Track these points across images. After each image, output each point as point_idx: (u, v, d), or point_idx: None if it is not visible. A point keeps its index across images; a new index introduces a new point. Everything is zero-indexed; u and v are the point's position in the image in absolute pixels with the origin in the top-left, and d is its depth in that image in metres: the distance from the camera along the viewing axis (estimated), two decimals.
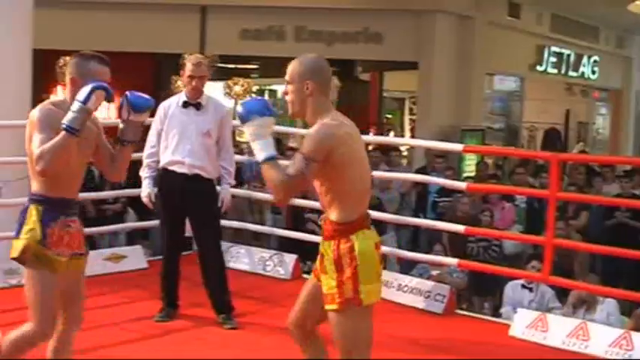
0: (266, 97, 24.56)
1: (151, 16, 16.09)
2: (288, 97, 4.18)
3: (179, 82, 21.66)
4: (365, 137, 8.14)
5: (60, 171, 4.15)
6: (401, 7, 16.26)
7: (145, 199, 6.64)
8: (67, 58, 15.54)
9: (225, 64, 18.44)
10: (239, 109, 4.06)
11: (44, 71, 10.67)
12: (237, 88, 19.57)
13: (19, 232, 4.26)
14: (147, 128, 6.76)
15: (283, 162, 4.18)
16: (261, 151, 3.94)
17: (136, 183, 6.97)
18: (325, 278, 4.05)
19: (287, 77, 4.16)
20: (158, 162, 6.57)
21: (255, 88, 21.66)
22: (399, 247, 9.63)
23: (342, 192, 4.02)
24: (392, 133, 21.22)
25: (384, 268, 8.15)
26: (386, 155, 12.77)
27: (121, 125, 4.39)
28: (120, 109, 4.33)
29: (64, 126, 4.01)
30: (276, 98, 24.96)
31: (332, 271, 4.00)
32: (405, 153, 16.64)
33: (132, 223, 9.92)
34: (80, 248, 4.43)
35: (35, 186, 4.31)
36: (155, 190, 6.61)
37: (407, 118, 22.76)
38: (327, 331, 4.15)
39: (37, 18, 8.65)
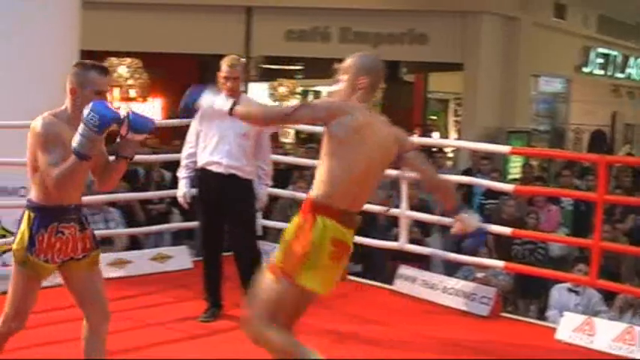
0: (310, 98, 24.62)
1: (196, 17, 16.17)
2: (337, 86, 4.28)
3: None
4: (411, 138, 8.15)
5: None
6: (446, 8, 16.22)
7: (180, 199, 6.71)
8: (114, 59, 15.69)
9: (270, 65, 18.51)
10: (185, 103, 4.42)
11: None
12: (282, 90, 19.61)
13: (15, 237, 4.41)
14: (187, 128, 6.81)
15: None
16: (223, 106, 4.38)
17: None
18: (280, 244, 4.21)
19: (342, 67, 4.27)
20: (196, 162, 6.60)
21: (299, 90, 21.70)
22: (444, 248, 9.57)
23: (326, 170, 4.12)
24: (436, 135, 21.16)
25: (428, 270, 8.21)
26: (431, 157, 12.71)
27: (118, 139, 4.39)
28: (121, 124, 4.29)
29: (75, 150, 4.05)
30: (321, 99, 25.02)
31: (286, 239, 4.17)
32: (451, 154, 16.57)
33: (176, 224, 9.95)
34: (76, 252, 4.45)
35: (33, 193, 4.38)
36: (191, 191, 6.68)
37: (451, 119, 22.66)
38: None
39: (84, 19, 8.70)
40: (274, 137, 10.93)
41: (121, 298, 7.13)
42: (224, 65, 6.45)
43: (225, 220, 6.56)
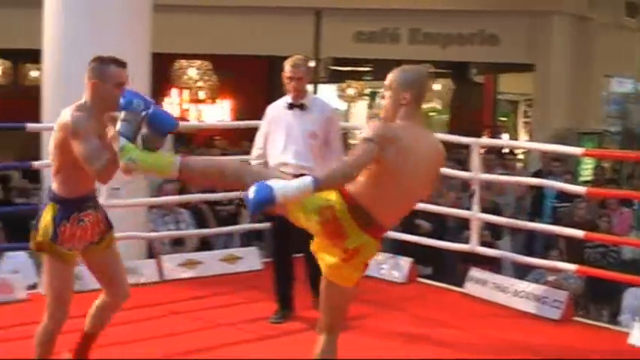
0: (377, 100, 24.57)
1: (265, 19, 16.24)
2: (383, 102, 4.27)
3: None
4: (481, 140, 8.10)
5: (81, 174, 4.45)
6: (517, 8, 16.09)
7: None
8: (184, 61, 15.85)
9: (339, 66, 18.53)
10: (254, 206, 3.90)
11: (160, 75, 10.82)
12: (350, 91, 19.62)
13: (37, 227, 4.58)
14: (255, 130, 6.84)
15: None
16: (306, 188, 3.86)
17: None
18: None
19: (386, 83, 4.26)
20: (265, 164, 6.62)
21: (367, 91, 21.67)
22: (514, 251, 9.50)
23: (370, 186, 4.08)
24: (506, 136, 21.01)
25: (498, 272, 8.15)
26: (501, 158, 12.63)
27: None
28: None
29: (125, 136, 4.23)
30: None
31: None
32: (521, 156, 16.43)
33: (246, 225, 9.99)
34: (93, 238, 4.70)
35: (55, 186, 4.58)
36: None
37: (520, 120, 22.48)
38: None
39: (155, 22, 8.79)
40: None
41: (192, 299, 7.20)
42: (287, 65, 6.46)
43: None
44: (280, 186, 3.84)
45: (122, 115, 4.24)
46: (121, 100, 4.24)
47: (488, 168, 10.27)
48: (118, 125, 4.23)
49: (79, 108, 4.49)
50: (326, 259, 4.24)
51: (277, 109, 6.60)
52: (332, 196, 4.09)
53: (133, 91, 4.33)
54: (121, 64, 4.56)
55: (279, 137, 6.50)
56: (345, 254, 4.16)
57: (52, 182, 4.63)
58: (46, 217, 4.55)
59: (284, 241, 6.64)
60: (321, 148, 6.47)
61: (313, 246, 4.33)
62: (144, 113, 4.23)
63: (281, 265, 6.69)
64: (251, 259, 8.33)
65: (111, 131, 4.38)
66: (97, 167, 4.31)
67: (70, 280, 4.67)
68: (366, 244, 4.17)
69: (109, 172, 4.36)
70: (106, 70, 4.50)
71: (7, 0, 15.31)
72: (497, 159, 12.46)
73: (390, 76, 4.25)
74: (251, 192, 3.85)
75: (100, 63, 4.54)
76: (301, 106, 6.45)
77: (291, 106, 6.49)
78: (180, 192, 9.79)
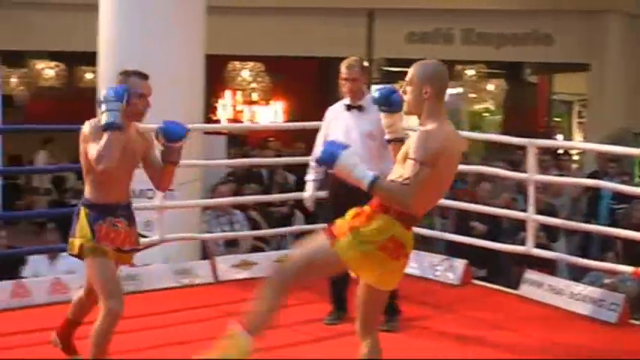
0: None
1: (318, 20, 16.25)
2: (405, 97, 4.32)
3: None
4: (536, 141, 8.02)
5: (105, 180, 4.75)
6: (571, 7, 15.96)
7: (306, 202, 6.73)
8: (237, 63, 15.93)
9: (392, 67, 18.48)
10: (320, 156, 4.25)
11: (214, 76, 10.87)
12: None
13: (74, 232, 4.86)
14: (309, 131, 6.84)
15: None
16: (363, 178, 4.13)
17: (303, 186, 7.03)
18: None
19: (407, 78, 4.31)
20: None
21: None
22: (570, 253, 9.41)
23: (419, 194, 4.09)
24: (560, 137, 20.82)
25: (553, 275, 8.08)
26: (556, 159, 12.50)
27: (162, 148, 4.92)
28: (156, 136, 4.90)
29: (106, 125, 4.58)
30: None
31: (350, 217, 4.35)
32: (576, 157, 16.26)
33: (299, 226, 9.99)
34: (123, 245, 4.93)
35: (86, 192, 4.89)
36: (316, 194, 6.71)
37: (575, 121, 22.26)
38: None
39: (208, 24, 8.83)
40: None
41: (246, 300, 7.19)
42: (342, 67, 6.47)
43: None
44: (349, 156, 4.12)
45: (103, 106, 4.62)
46: (101, 94, 4.64)
47: (543, 169, 10.17)
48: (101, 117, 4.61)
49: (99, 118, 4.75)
50: (379, 273, 4.33)
51: (336, 111, 6.61)
52: (386, 224, 4.17)
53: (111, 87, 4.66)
54: (143, 76, 4.84)
55: (337, 137, 6.47)
56: (407, 257, 4.32)
57: (85, 189, 4.92)
58: (82, 222, 4.83)
59: None
60: (379, 148, 6.42)
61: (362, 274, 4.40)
62: (117, 98, 4.62)
63: None
64: None
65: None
66: (101, 165, 4.60)
67: (115, 274, 4.87)
68: (410, 240, 4.31)
69: (104, 157, 4.58)
70: (127, 82, 4.78)
71: (62, 3, 15.46)
72: (552, 160, 12.32)
73: (411, 71, 4.30)
74: (326, 144, 4.24)
75: (123, 75, 4.84)
76: (359, 108, 6.44)
77: (348, 108, 6.49)
78: (235, 193, 9.82)
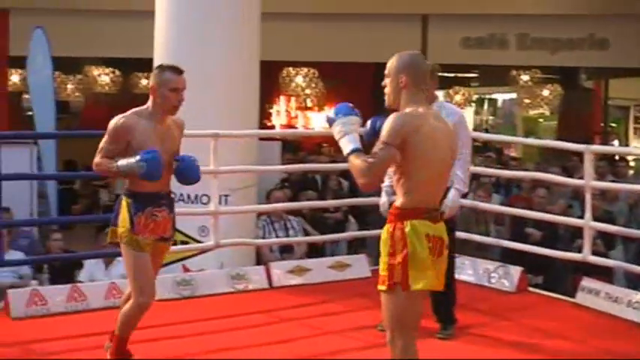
0: (485, 106, 24.38)
1: (372, 26, 16.22)
2: (386, 90, 4.43)
3: None
4: (593, 147, 7.94)
5: None
6: (628, 11, 15.74)
7: (380, 208, 6.75)
8: (291, 69, 15.93)
9: (446, 73, 18.41)
10: (328, 112, 4.46)
11: (269, 82, 10.89)
12: (458, 98, 19.48)
13: (115, 221, 5.10)
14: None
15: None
16: (348, 144, 4.24)
17: (357, 192, 7.04)
18: (380, 260, 4.29)
19: (385, 72, 4.43)
20: None
21: (474, 97, 21.49)
22: (627, 261, 9.28)
23: (405, 178, 4.24)
24: (616, 143, 20.62)
25: (610, 283, 7.98)
26: (612, 165, 12.36)
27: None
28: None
29: (118, 167, 4.96)
30: (497, 107, 24.73)
31: (384, 254, 4.24)
32: (632, 163, 16.08)
33: (353, 232, 9.97)
34: (165, 232, 5.19)
35: (128, 182, 5.13)
36: (391, 199, 6.74)
37: (631, 126, 22.03)
38: None
39: (262, 30, 8.85)
40: None
41: (301, 306, 7.21)
42: None
43: None
44: (346, 122, 4.29)
45: (133, 160, 4.92)
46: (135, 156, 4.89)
47: (599, 175, 10.06)
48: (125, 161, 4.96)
49: (136, 112, 5.13)
50: (437, 274, 4.29)
51: None
52: (417, 228, 4.19)
53: (152, 162, 4.90)
54: (177, 71, 5.06)
55: None
56: (447, 250, 4.35)
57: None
58: (124, 212, 5.07)
59: None
60: None
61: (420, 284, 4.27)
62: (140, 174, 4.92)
63: None
64: (359, 266, 8.31)
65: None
66: (94, 161, 5.08)
67: (149, 266, 5.07)
68: (444, 231, 4.34)
69: (100, 172, 5.17)
70: (163, 77, 5.04)
71: (118, 10, 15.61)
72: (608, 166, 12.18)
73: (388, 64, 4.41)
74: (340, 105, 4.43)
75: (158, 70, 5.11)
76: None
77: None
78: (290, 199, 9.83)
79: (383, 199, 6.77)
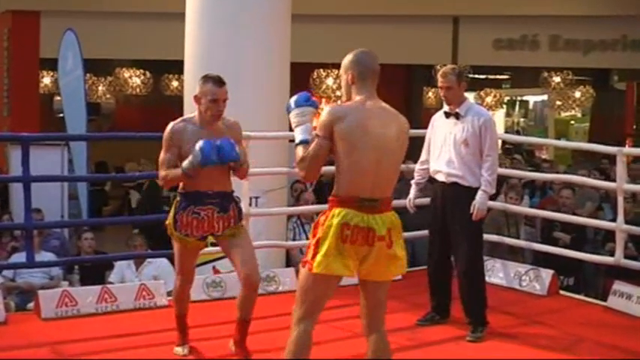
0: (517, 108, 24.28)
1: (403, 27, 16.19)
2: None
3: (430, 94, 21.88)
4: (626, 150, 7.87)
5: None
6: None
7: (407, 204, 6.75)
8: (321, 71, 15.94)
9: (477, 74, 18.37)
10: (288, 101, 4.68)
11: (299, 84, 10.88)
12: (489, 99, 19.40)
13: (168, 216, 5.52)
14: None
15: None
16: (299, 134, 4.50)
17: None
18: None
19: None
20: (426, 170, 6.72)
21: (506, 99, 21.39)
22: None
23: (338, 166, 4.40)
24: None
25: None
26: None
27: None
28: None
29: (182, 168, 5.22)
30: (528, 109, 24.62)
31: (310, 233, 4.52)
32: None
33: None
34: (213, 230, 5.44)
35: (181, 183, 5.44)
36: (416, 198, 6.82)
37: None
38: None
39: (292, 32, 8.85)
40: None
41: (331, 308, 7.12)
42: (438, 76, 6.61)
43: (450, 229, 6.52)
44: (301, 113, 4.56)
45: (191, 157, 5.20)
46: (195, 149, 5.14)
47: (632, 178, 9.97)
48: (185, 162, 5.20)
49: (184, 119, 5.50)
50: (380, 264, 4.44)
51: (438, 118, 6.69)
52: (334, 215, 4.35)
53: (207, 146, 5.14)
54: (218, 83, 5.32)
55: (436, 145, 6.57)
56: (387, 240, 4.40)
57: None
58: (172, 209, 5.48)
59: (438, 246, 6.64)
60: (474, 155, 6.39)
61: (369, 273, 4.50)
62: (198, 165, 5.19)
63: (433, 269, 6.74)
64: None
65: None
66: (160, 177, 5.43)
67: (187, 258, 5.56)
68: (390, 221, 4.43)
69: (166, 184, 5.59)
70: (205, 87, 5.32)
71: (149, 12, 15.66)
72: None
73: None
74: (300, 94, 4.69)
75: (201, 80, 5.38)
76: (456, 115, 6.43)
77: (447, 115, 6.52)
78: (319, 201, 9.80)
79: (410, 196, 6.79)
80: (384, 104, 4.55)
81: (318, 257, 4.33)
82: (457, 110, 6.45)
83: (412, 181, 6.86)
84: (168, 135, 5.35)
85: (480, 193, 6.36)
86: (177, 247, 5.51)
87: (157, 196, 12.87)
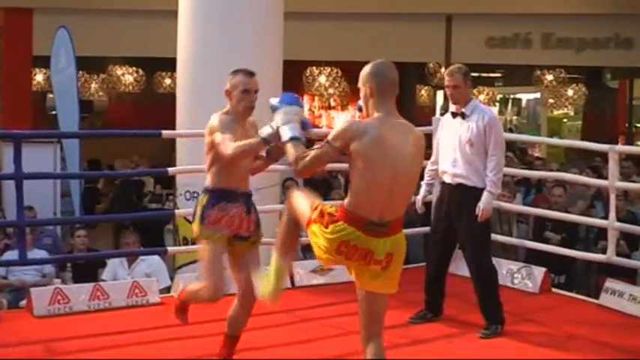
0: (509, 106, 24.31)
1: (396, 25, 16.19)
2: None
3: (422, 92, 21.88)
4: (618, 147, 7.89)
5: (230, 167, 5.05)
6: None
7: (416, 204, 6.75)
8: (314, 68, 15.95)
9: (471, 72, 18.35)
10: (272, 100, 4.65)
11: (292, 82, 10.88)
12: (482, 97, 19.43)
13: (193, 217, 5.24)
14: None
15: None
16: (287, 132, 4.47)
17: None
18: None
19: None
20: (435, 171, 6.75)
21: (498, 97, 21.42)
22: None
23: (352, 182, 4.35)
24: None
25: (633, 284, 7.91)
26: (637, 166, 12.27)
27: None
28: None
29: (262, 136, 4.73)
30: (521, 107, 24.66)
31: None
32: None
33: None
34: (241, 229, 5.20)
35: (208, 180, 5.21)
36: (425, 197, 6.86)
37: None
38: None
39: (285, 29, 8.85)
40: None
41: (323, 305, 7.20)
42: (445, 74, 6.60)
43: (457, 230, 6.55)
44: (288, 112, 4.54)
45: (282, 116, 4.63)
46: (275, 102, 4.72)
47: (624, 176, 9.99)
48: (285, 131, 4.57)
49: (224, 112, 5.17)
50: (365, 277, 4.39)
51: (446, 118, 6.70)
52: (337, 230, 4.29)
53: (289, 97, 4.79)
54: (248, 74, 5.17)
55: (443, 145, 6.59)
56: (383, 264, 4.33)
57: (206, 178, 5.23)
58: (198, 208, 5.18)
59: (440, 244, 6.66)
60: (478, 155, 6.39)
61: (358, 281, 4.46)
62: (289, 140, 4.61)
63: (430, 269, 6.78)
64: None
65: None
66: (230, 149, 4.86)
67: (218, 257, 5.15)
68: (393, 245, 4.35)
69: (239, 157, 4.93)
70: (235, 79, 5.16)
71: (142, 10, 15.65)
72: (633, 167, 12.10)
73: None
74: (285, 94, 4.71)
75: (232, 74, 5.21)
76: (462, 115, 6.43)
77: (454, 115, 6.51)
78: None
79: (419, 196, 6.79)
80: (402, 120, 4.46)
81: (314, 237, 4.38)
82: (463, 110, 6.45)
83: (422, 182, 6.84)
84: (219, 121, 5.06)
85: (485, 193, 6.35)
86: (207, 247, 5.17)
87: (130, 193, 12.86)
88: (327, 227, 4.30)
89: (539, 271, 7.84)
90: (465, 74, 6.46)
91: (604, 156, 9.04)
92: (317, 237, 4.36)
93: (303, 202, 4.58)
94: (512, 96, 23.27)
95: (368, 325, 4.46)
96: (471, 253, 6.50)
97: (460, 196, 6.42)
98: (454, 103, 6.51)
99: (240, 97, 5.12)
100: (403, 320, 6.63)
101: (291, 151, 4.41)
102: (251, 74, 5.19)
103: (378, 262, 4.31)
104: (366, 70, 4.44)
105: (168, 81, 19.64)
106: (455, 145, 6.41)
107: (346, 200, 4.34)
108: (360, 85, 4.47)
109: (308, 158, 4.33)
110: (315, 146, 4.42)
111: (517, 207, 9.49)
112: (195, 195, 8.29)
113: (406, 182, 4.38)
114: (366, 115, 4.44)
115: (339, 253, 4.30)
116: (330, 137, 4.29)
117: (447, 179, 6.48)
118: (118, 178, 14.04)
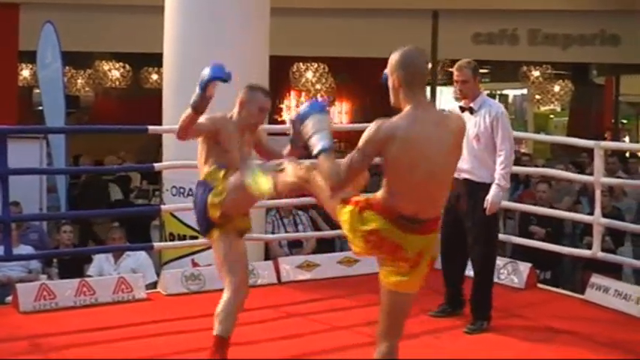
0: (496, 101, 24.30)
1: (382, 21, 16.18)
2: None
3: None
4: (603, 143, 7.91)
5: (224, 161, 5.16)
6: (639, 7, 15.68)
7: None
8: (301, 64, 15.95)
9: (479, 68, 18.37)
10: (300, 109, 4.47)
11: (278, 78, 10.87)
12: None
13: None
14: None
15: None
16: (318, 142, 4.23)
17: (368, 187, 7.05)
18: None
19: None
20: None
21: (485, 93, 21.41)
22: (636, 258, 9.25)
23: (385, 181, 4.15)
24: (627, 139, 20.59)
25: (619, 280, 7.94)
26: (623, 162, 12.32)
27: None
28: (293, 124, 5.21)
29: (190, 103, 4.96)
30: (507, 103, 24.69)
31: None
32: None
33: None
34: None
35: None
36: None
37: None
38: None
39: (272, 25, 8.85)
40: None
41: (309, 301, 7.21)
42: (454, 69, 6.61)
43: (464, 224, 6.56)
44: (319, 120, 4.29)
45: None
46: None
47: (609, 172, 10.02)
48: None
49: (224, 115, 5.30)
50: (391, 273, 4.20)
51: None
52: (370, 218, 4.15)
53: (215, 75, 5.03)
54: (266, 93, 5.40)
55: None
56: (411, 262, 4.17)
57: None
58: (213, 199, 5.08)
59: (451, 240, 6.61)
60: (485, 151, 6.40)
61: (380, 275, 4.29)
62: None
63: (446, 261, 6.76)
64: (368, 262, 8.25)
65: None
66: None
67: (237, 249, 5.21)
68: (425, 244, 4.21)
69: (184, 127, 5.02)
70: (253, 95, 5.31)
71: (128, 5, 15.62)
72: (619, 162, 12.14)
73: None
74: (311, 102, 4.46)
75: (250, 88, 5.37)
76: (470, 110, 6.43)
77: (462, 110, 6.50)
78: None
79: None
80: (436, 109, 4.31)
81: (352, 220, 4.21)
82: (471, 105, 6.46)
83: None
84: (214, 116, 5.20)
85: (494, 187, 6.38)
86: (224, 240, 5.16)
87: (94, 189, 12.82)
88: (361, 212, 4.18)
89: (524, 267, 7.87)
90: (474, 69, 6.47)
91: (590, 152, 9.06)
92: (350, 219, 4.20)
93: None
94: (498, 92, 23.21)
95: (386, 324, 4.28)
96: (477, 252, 6.52)
97: (467, 192, 6.44)
98: (462, 98, 6.52)
99: (256, 113, 5.30)
100: None
101: (325, 165, 4.18)
102: (269, 94, 5.43)
103: (406, 260, 4.15)
104: (394, 58, 4.19)
105: (154, 76, 19.63)
106: (463, 141, 6.40)
107: (379, 193, 4.18)
108: (387, 72, 4.22)
109: (342, 174, 4.13)
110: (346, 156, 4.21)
111: (504, 203, 9.50)
112: (182, 191, 8.30)
113: (443, 178, 4.22)
114: (397, 106, 4.21)
115: (368, 241, 4.16)
116: (360, 144, 4.09)
117: (455, 174, 6.46)
118: (111, 174, 13.99)
